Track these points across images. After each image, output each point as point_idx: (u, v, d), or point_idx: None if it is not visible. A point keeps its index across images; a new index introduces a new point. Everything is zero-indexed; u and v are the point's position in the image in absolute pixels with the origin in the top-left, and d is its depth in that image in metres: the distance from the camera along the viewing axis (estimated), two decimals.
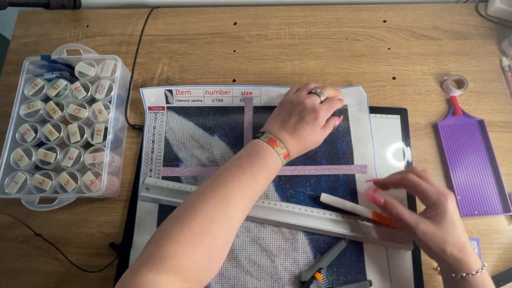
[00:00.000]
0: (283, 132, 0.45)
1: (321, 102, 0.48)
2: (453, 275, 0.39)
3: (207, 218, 0.36)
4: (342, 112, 0.55)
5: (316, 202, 0.50)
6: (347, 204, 0.49)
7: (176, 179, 0.52)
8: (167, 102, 0.56)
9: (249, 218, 0.49)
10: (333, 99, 0.49)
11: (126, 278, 0.33)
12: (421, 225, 0.41)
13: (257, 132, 0.47)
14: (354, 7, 0.65)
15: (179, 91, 0.55)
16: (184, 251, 0.34)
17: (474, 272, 0.38)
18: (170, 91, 0.55)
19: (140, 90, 0.54)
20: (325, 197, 0.49)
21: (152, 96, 0.55)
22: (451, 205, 0.40)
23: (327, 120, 0.48)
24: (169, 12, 0.66)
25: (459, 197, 0.51)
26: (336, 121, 0.50)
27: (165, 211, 0.50)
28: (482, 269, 0.38)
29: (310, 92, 0.48)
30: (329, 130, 0.48)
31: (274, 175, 0.44)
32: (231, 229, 0.38)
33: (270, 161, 0.43)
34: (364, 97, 0.54)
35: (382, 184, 0.47)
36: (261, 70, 0.60)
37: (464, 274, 0.38)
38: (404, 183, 0.44)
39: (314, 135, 0.46)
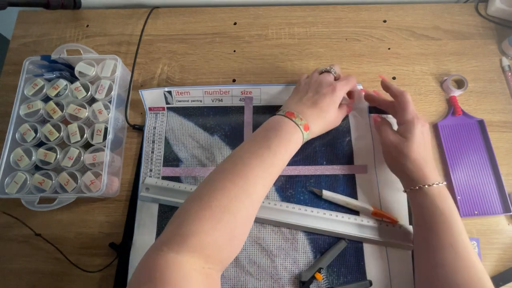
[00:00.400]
0: (301, 105, 0.46)
1: (335, 79, 0.50)
2: (412, 187, 0.44)
3: (225, 195, 0.36)
4: None
5: (316, 201, 0.50)
6: (349, 200, 0.49)
7: (176, 179, 0.52)
8: (167, 102, 0.56)
9: None
10: (348, 75, 0.50)
11: (147, 258, 0.33)
12: (391, 135, 0.47)
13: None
14: (354, 7, 0.65)
15: (178, 92, 0.55)
16: (205, 229, 0.33)
17: (430, 184, 0.42)
18: (170, 92, 0.55)
19: (140, 92, 0.54)
20: (327, 194, 0.49)
21: (151, 97, 0.55)
22: (420, 128, 0.45)
23: (341, 105, 0.49)
24: (169, 12, 0.66)
25: (459, 197, 0.51)
26: (350, 105, 0.52)
27: (165, 211, 0.50)
28: (440, 183, 0.43)
29: (321, 73, 0.50)
30: (344, 112, 0.51)
31: (296, 149, 0.44)
32: (251, 205, 0.38)
33: (288, 133, 0.42)
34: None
35: (385, 86, 0.51)
36: (261, 70, 0.60)
37: (421, 186, 0.43)
38: (397, 95, 0.48)
39: (334, 108, 0.47)
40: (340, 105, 0.49)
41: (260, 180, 0.38)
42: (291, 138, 0.42)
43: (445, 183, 0.43)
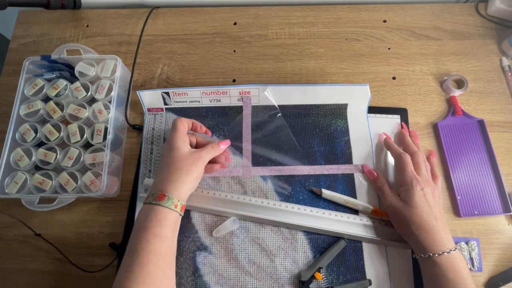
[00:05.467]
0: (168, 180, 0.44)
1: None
2: (422, 255, 0.42)
3: None
4: (342, 110, 0.55)
5: (315, 200, 0.50)
6: (348, 199, 0.49)
7: None
8: (165, 103, 0.56)
9: (248, 218, 0.49)
10: (215, 145, 0.49)
11: None
12: (391, 198, 0.46)
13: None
14: (354, 7, 0.65)
15: (176, 93, 0.55)
16: None
17: (440, 252, 0.40)
18: (167, 93, 0.55)
19: (138, 93, 0.54)
20: (326, 193, 0.49)
21: (150, 98, 0.55)
22: (419, 192, 0.44)
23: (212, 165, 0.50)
24: (169, 12, 0.66)
25: (459, 197, 0.51)
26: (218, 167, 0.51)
27: None
28: (451, 250, 0.40)
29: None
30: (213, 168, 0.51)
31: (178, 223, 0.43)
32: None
33: (163, 219, 0.41)
34: (368, 97, 0.54)
35: (387, 145, 0.51)
36: (261, 70, 0.60)
37: (431, 254, 0.41)
38: (396, 157, 0.48)
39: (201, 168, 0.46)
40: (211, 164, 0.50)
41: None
42: (169, 219, 0.41)
43: (457, 248, 0.41)
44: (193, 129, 0.50)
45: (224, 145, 0.50)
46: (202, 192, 0.50)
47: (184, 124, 0.48)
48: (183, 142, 0.46)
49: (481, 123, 0.55)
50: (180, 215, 0.43)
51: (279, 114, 0.55)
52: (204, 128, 0.51)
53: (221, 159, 0.51)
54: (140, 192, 0.50)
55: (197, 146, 0.51)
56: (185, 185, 0.43)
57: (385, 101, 0.57)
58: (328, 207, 0.50)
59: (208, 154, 0.47)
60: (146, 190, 0.50)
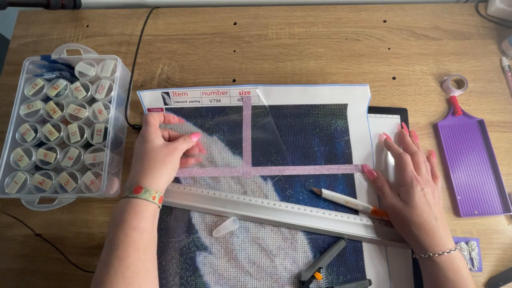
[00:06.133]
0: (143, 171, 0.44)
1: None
2: (422, 255, 0.42)
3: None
4: (342, 110, 0.55)
5: (315, 200, 0.50)
6: (348, 199, 0.49)
7: (175, 179, 0.52)
8: (165, 103, 0.56)
9: (248, 218, 0.49)
10: (187, 137, 0.49)
11: None
12: (391, 198, 0.46)
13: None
14: (354, 7, 0.65)
15: (176, 93, 0.55)
16: None
17: (440, 252, 0.40)
18: (167, 93, 0.55)
19: (138, 93, 0.54)
20: (326, 193, 0.49)
21: (150, 98, 0.55)
22: (420, 192, 0.44)
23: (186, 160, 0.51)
24: (169, 12, 0.66)
25: (459, 197, 0.51)
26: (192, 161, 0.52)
27: (163, 212, 0.50)
28: (451, 250, 0.40)
29: None
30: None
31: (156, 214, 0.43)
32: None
33: (142, 211, 0.41)
34: (368, 97, 0.54)
35: (387, 145, 0.51)
36: (261, 70, 0.60)
37: (431, 254, 0.41)
38: (397, 157, 0.48)
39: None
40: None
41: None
42: (147, 211, 0.41)
43: (458, 248, 0.41)
44: (166, 122, 0.52)
45: (196, 137, 0.50)
46: (202, 192, 0.50)
47: (155, 118, 0.48)
48: (156, 135, 0.46)
49: (481, 123, 0.55)
50: (159, 207, 0.43)
51: (269, 115, 0.55)
52: (176, 118, 0.53)
53: (195, 151, 0.52)
54: None
55: (169, 140, 0.51)
56: (162, 177, 0.43)
57: (385, 101, 0.57)
58: (328, 207, 0.50)
59: (181, 145, 0.47)
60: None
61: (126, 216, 0.39)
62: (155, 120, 0.48)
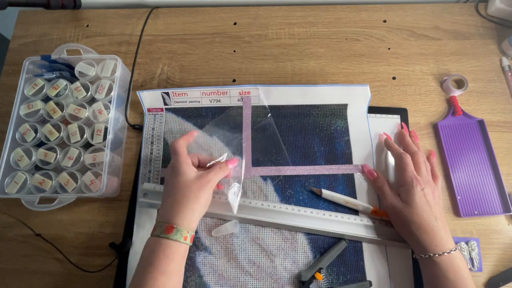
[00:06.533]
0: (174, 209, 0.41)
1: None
2: (422, 255, 0.42)
3: None
4: (342, 111, 0.55)
5: (315, 200, 0.50)
6: (348, 199, 0.49)
7: None
8: (165, 103, 0.56)
9: (248, 221, 0.49)
10: (223, 165, 0.46)
11: None
12: (391, 199, 0.46)
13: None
14: (354, 7, 0.65)
15: (175, 93, 0.55)
16: None
17: (441, 252, 0.40)
18: (167, 93, 0.55)
19: (138, 94, 0.54)
20: (326, 193, 0.49)
21: (150, 98, 0.55)
22: (420, 192, 0.44)
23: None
24: (169, 12, 0.66)
25: (459, 197, 0.51)
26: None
27: None
28: (452, 250, 0.40)
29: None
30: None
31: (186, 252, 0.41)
32: None
33: (173, 253, 0.39)
34: (368, 98, 0.54)
35: (387, 145, 0.51)
36: (261, 70, 0.60)
37: (431, 254, 0.41)
38: (397, 157, 0.48)
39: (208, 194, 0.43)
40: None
41: None
42: (178, 253, 0.39)
43: (458, 249, 0.41)
44: (191, 140, 0.49)
45: (232, 164, 0.48)
46: None
47: (183, 144, 0.45)
48: (187, 166, 0.43)
49: (481, 123, 0.55)
50: (190, 245, 0.40)
51: (269, 115, 0.55)
52: (195, 133, 0.50)
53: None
54: (139, 197, 0.50)
55: (199, 164, 0.48)
56: (194, 214, 0.40)
57: (385, 101, 0.57)
58: (328, 208, 0.50)
59: (216, 176, 0.44)
60: (146, 195, 0.49)
61: (155, 258, 0.38)
62: (184, 147, 0.45)
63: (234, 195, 0.48)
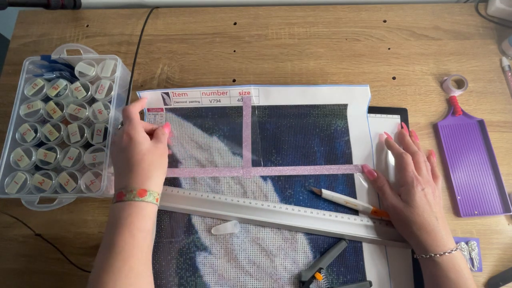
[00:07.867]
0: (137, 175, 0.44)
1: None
2: (423, 255, 0.42)
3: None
4: (342, 111, 0.55)
5: (315, 200, 0.50)
6: (348, 199, 0.49)
7: (175, 180, 0.52)
8: (165, 103, 0.56)
9: (248, 221, 0.49)
10: (163, 131, 0.49)
11: None
12: (392, 199, 0.46)
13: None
14: (354, 7, 0.65)
15: (175, 93, 0.55)
16: None
17: (442, 252, 0.40)
18: (167, 93, 0.55)
19: (137, 94, 0.54)
20: (326, 193, 0.49)
21: (150, 98, 0.55)
22: (420, 192, 0.44)
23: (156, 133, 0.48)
24: (169, 12, 0.66)
25: (459, 197, 0.51)
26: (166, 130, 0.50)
27: (163, 214, 0.50)
28: (452, 250, 0.40)
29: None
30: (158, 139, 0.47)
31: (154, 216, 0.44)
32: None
33: (141, 214, 0.42)
34: (368, 98, 0.54)
35: (388, 145, 0.51)
36: (261, 70, 0.60)
37: (432, 254, 0.41)
38: (398, 157, 0.48)
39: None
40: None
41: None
42: (152, 212, 0.42)
43: (458, 248, 0.41)
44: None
45: (168, 128, 0.51)
46: (202, 195, 0.50)
47: (137, 110, 0.48)
48: (143, 134, 0.46)
49: (481, 123, 0.55)
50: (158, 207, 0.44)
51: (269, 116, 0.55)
52: (145, 100, 0.53)
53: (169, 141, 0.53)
54: None
55: (148, 132, 0.49)
56: (160, 179, 0.45)
57: (385, 101, 0.57)
58: (328, 208, 0.50)
59: (165, 141, 0.48)
60: None
61: (132, 218, 0.40)
62: (138, 114, 0.47)
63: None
